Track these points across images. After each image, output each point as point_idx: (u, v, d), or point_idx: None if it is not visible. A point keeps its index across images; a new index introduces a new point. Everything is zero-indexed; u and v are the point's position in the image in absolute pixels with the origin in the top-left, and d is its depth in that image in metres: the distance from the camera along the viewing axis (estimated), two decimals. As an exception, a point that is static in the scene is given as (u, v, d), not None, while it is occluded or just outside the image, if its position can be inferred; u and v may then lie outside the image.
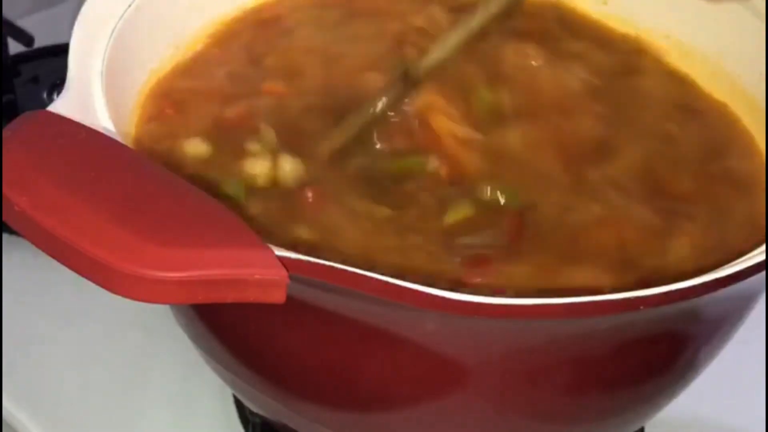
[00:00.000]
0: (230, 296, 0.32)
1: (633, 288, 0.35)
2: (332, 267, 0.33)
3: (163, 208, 0.34)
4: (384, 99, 0.48)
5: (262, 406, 0.46)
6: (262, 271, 0.32)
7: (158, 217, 0.33)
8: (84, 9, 0.45)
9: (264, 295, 0.33)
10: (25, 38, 0.72)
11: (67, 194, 0.32)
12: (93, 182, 0.33)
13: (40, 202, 0.32)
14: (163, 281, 0.31)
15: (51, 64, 0.71)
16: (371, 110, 0.48)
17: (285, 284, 0.33)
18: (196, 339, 0.45)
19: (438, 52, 0.49)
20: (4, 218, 0.32)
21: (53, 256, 0.31)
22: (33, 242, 0.31)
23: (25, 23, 0.74)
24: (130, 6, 0.47)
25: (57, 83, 0.69)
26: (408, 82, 0.49)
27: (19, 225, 0.32)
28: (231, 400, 0.56)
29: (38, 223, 0.31)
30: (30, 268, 0.62)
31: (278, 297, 0.33)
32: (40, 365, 0.58)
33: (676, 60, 0.56)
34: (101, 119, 0.40)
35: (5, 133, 0.35)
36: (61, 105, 0.39)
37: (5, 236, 0.63)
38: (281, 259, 0.33)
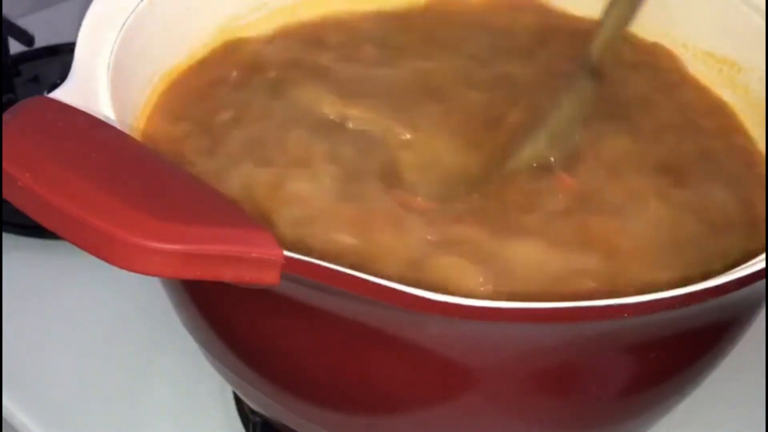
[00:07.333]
0: (227, 273, 0.33)
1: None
2: (324, 267, 0.33)
3: (164, 188, 0.34)
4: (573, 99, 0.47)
5: (265, 406, 0.46)
6: (259, 250, 0.33)
7: (159, 195, 0.34)
8: (95, 1, 0.45)
9: (259, 274, 0.33)
10: (25, 38, 0.73)
11: (68, 170, 0.32)
12: (94, 161, 0.34)
13: (42, 177, 0.32)
14: (162, 252, 0.31)
15: (51, 64, 0.72)
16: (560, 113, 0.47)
17: (279, 264, 0.33)
18: (198, 337, 0.45)
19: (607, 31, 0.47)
20: (4, 195, 0.32)
21: (54, 229, 0.32)
22: (34, 216, 0.32)
23: (25, 23, 0.74)
24: (142, 0, 0.47)
25: (57, 83, 0.69)
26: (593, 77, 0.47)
27: (21, 200, 0.32)
28: (231, 399, 0.56)
29: (41, 196, 0.32)
30: (30, 268, 0.62)
31: (272, 278, 0.33)
32: (40, 365, 0.58)
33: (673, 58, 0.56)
34: (102, 108, 0.40)
35: (5, 116, 0.35)
36: (62, 93, 0.40)
37: (5, 236, 0.63)
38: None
